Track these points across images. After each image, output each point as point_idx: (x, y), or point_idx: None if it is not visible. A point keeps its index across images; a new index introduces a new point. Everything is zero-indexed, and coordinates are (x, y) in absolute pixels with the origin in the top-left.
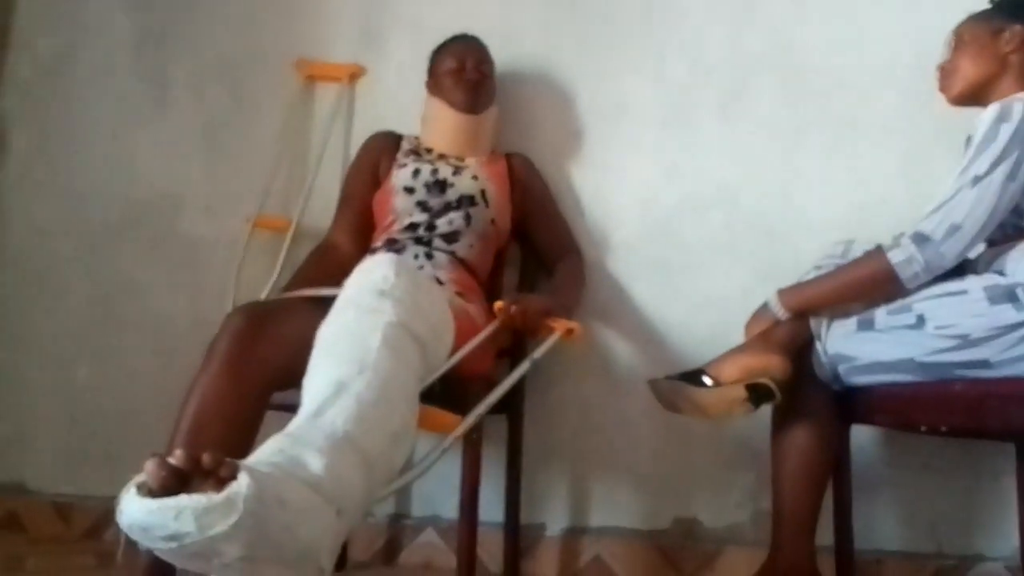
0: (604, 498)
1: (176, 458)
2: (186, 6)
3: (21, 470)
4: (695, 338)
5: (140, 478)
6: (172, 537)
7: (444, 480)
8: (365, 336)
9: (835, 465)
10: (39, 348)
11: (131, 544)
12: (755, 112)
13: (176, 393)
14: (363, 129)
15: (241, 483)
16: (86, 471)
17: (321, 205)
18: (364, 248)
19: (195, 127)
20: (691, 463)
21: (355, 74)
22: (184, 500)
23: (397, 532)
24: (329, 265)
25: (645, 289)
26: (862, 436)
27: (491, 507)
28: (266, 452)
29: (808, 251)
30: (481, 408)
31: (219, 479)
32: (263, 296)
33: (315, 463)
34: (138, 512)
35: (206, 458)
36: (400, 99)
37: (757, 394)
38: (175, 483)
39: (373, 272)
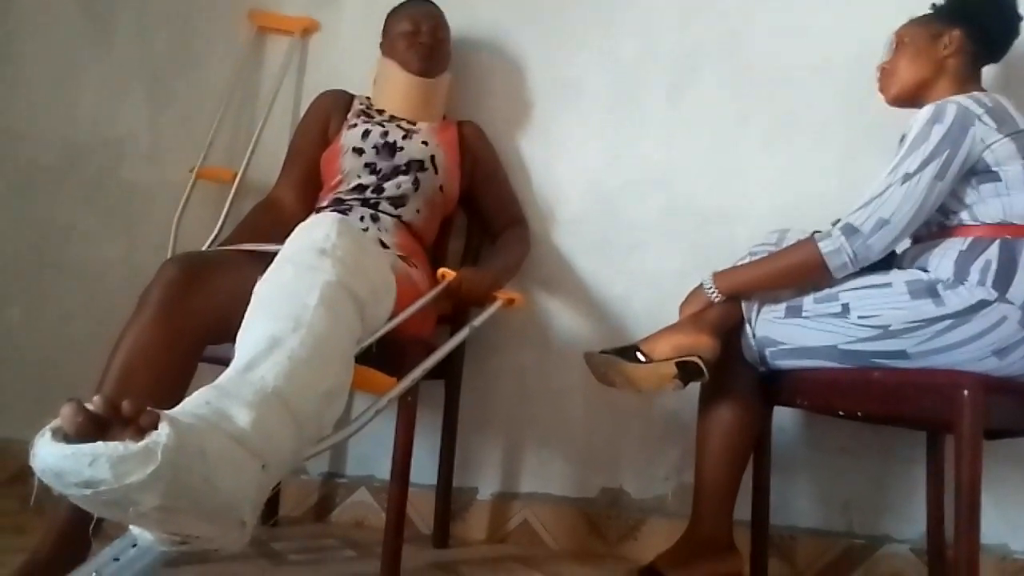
0: (535, 465)
1: (95, 404)
2: None
3: None
4: (632, 314)
5: (56, 423)
6: (86, 484)
7: (379, 441)
8: (302, 294)
9: (757, 444)
10: None
11: (45, 490)
12: (700, 99)
13: (109, 340)
14: (314, 85)
15: (161, 432)
16: (13, 414)
17: (267, 159)
18: (309, 205)
19: (141, 71)
20: (621, 436)
21: (308, 28)
22: (100, 447)
23: (330, 490)
24: (272, 220)
25: (587, 264)
26: (784, 418)
27: (425, 469)
28: (192, 403)
29: (743, 237)
30: (417, 372)
31: (139, 428)
32: (203, 248)
33: (242, 417)
34: (51, 457)
35: (126, 405)
36: (353, 57)
37: (686, 371)
38: (92, 429)
39: (315, 230)
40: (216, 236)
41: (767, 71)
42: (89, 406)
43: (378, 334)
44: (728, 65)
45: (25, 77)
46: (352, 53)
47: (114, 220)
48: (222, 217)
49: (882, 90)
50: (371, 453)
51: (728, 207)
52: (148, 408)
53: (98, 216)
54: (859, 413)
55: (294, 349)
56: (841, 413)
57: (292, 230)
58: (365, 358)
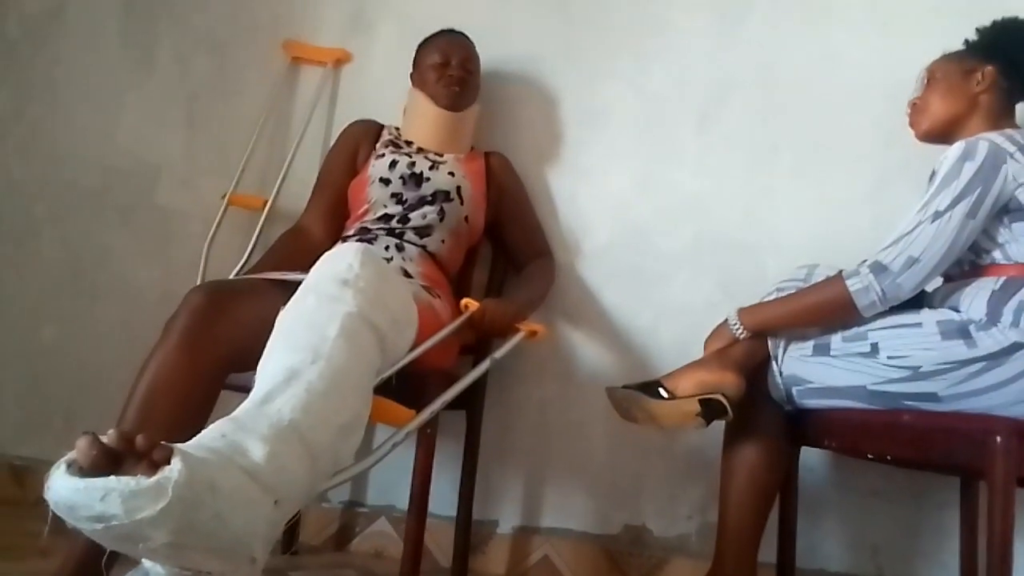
0: (557, 500)
1: (109, 437)
2: None
3: None
4: (658, 346)
5: (71, 455)
6: (98, 518)
7: (400, 470)
8: (323, 325)
9: (783, 484)
10: (6, 308)
11: (59, 522)
12: (730, 128)
13: (139, 363)
14: (345, 114)
15: (173, 468)
16: (45, 435)
17: (297, 187)
18: (336, 235)
19: (178, 98)
20: (644, 472)
21: (341, 59)
22: (112, 482)
23: (350, 519)
24: (298, 249)
25: (613, 295)
26: (812, 457)
27: (445, 501)
28: (208, 436)
29: (773, 269)
30: (436, 405)
31: (152, 462)
32: (232, 275)
33: (256, 450)
34: (65, 490)
35: (139, 440)
36: (384, 88)
37: (710, 409)
38: (106, 463)
39: (338, 260)
40: (245, 262)
41: (799, 101)
42: (104, 439)
43: (398, 365)
44: (759, 95)
45: (68, 101)
46: (383, 83)
47: (149, 243)
48: (251, 243)
49: (912, 125)
50: (392, 482)
51: (758, 238)
52: (162, 442)
53: (133, 239)
54: (888, 457)
55: (312, 381)
56: (870, 456)
57: (318, 258)
58: (385, 389)
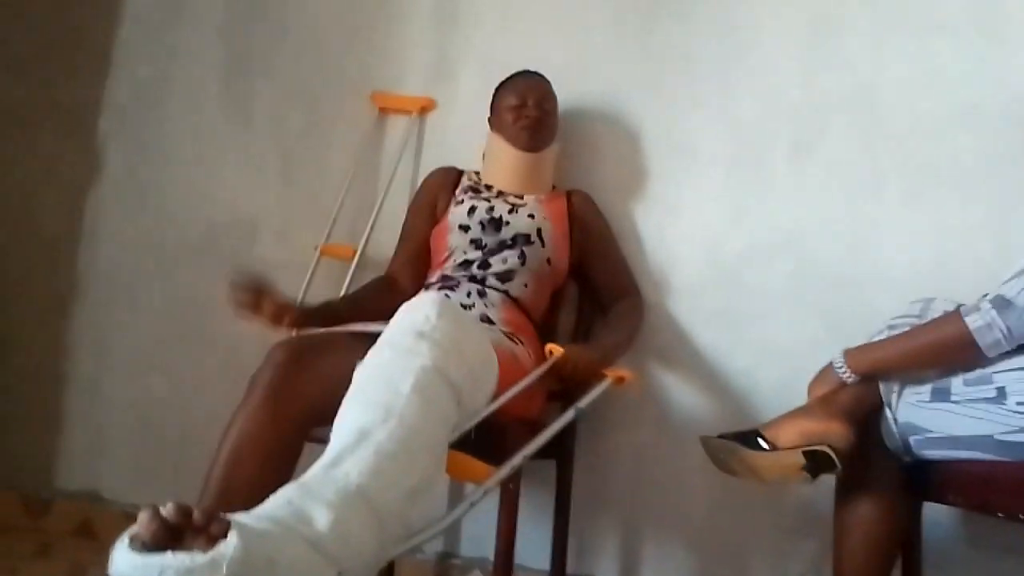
0: (655, 554)
1: (167, 511)
2: (273, 35)
3: (97, 479)
4: (758, 390)
5: (133, 529)
6: None
7: (494, 521)
8: (396, 380)
9: (903, 542)
10: (118, 360)
11: None
12: (828, 156)
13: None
14: (431, 161)
15: (229, 544)
16: (156, 482)
17: (386, 235)
18: (420, 282)
19: (274, 153)
20: (750, 525)
21: (425, 107)
22: (169, 559)
23: (445, 570)
24: (382, 291)
25: (707, 336)
26: (938, 511)
27: (538, 553)
28: (273, 504)
29: (884, 305)
30: (516, 460)
31: (210, 536)
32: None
33: (321, 518)
34: (125, 565)
35: (197, 514)
36: (467, 133)
37: (816, 462)
38: (166, 536)
39: (415, 312)
40: None
41: (903, 123)
42: (163, 512)
43: (477, 418)
44: (858, 119)
45: (174, 161)
46: (467, 128)
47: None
48: (342, 293)
49: None
50: (486, 533)
51: (864, 271)
52: (219, 515)
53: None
54: (1021, 516)
55: (381, 443)
56: (1000, 514)
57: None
58: (464, 443)
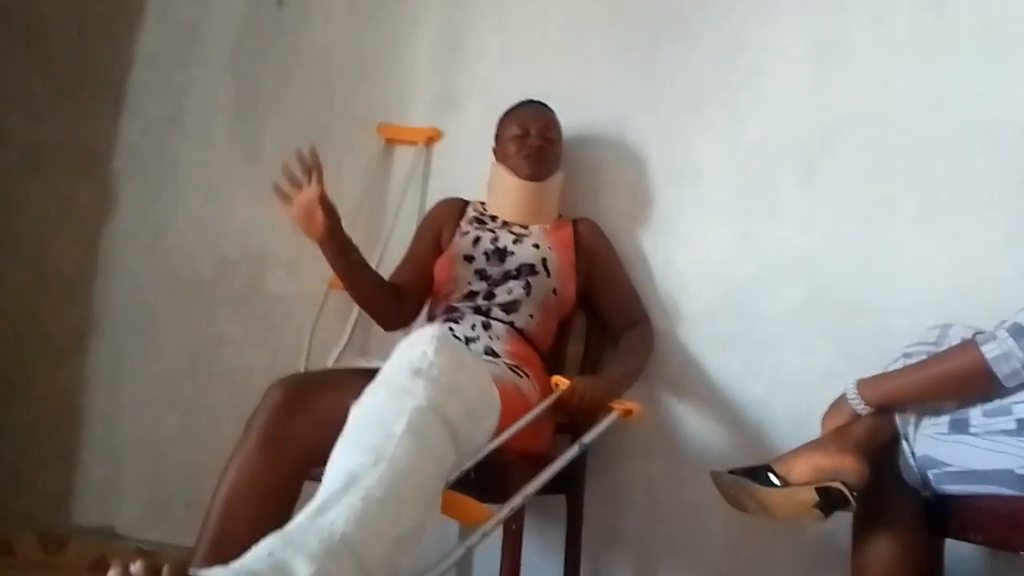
0: None
1: (136, 569)
2: (280, 73)
3: (111, 515)
4: (773, 419)
5: None
6: None
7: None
8: (389, 422)
9: None
10: (132, 397)
11: None
12: (839, 179)
13: None
14: (437, 191)
15: None
16: (169, 519)
17: (395, 265)
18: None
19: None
20: (769, 560)
21: (432, 137)
22: None
23: None
24: (391, 294)
25: (719, 364)
26: (962, 546)
27: None
28: (254, 555)
29: (900, 330)
30: (516, 501)
31: None
32: (330, 362)
33: (302, 570)
34: None
35: (166, 570)
36: (473, 162)
37: (829, 499)
38: None
39: (413, 348)
40: (343, 349)
41: (915, 145)
42: (133, 568)
43: (478, 456)
44: (869, 140)
45: (186, 199)
46: (473, 158)
47: (258, 330)
48: (349, 328)
49: None
50: (499, 568)
51: (879, 296)
52: (191, 571)
53: (244, 326)
54: None
55: (370, 488)
56: (1023, 552)
57: (402, 308)
58: (464, 482)
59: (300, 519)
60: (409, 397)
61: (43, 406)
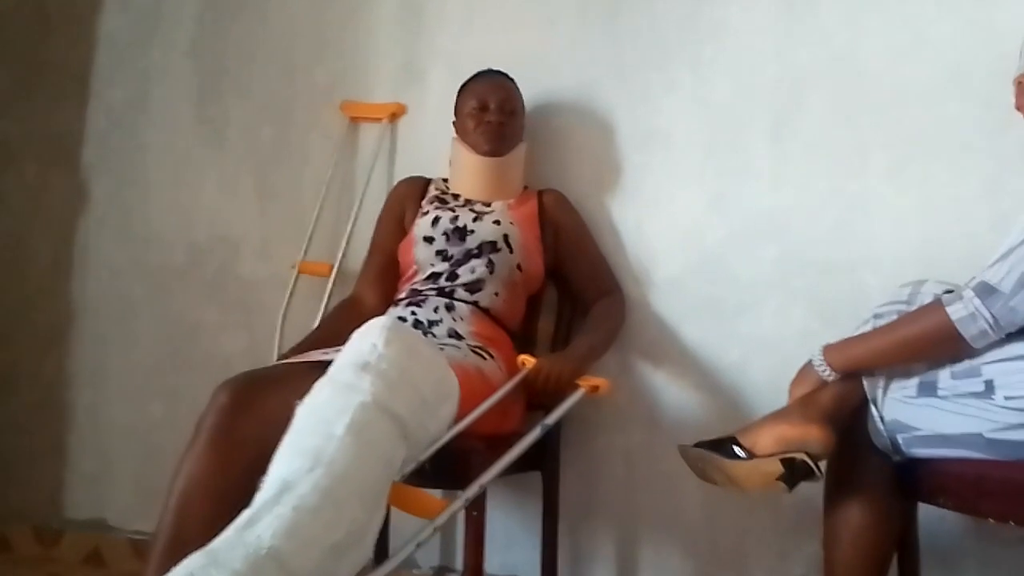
0: (652, 559)
1: None
2: (242, 53)
3: (103, 507)
4: (751, 383)
5: None
6: None
7: (491, 534)
8: (331, 421)
9: (897, 545)
10: (117, 387)
11: None
12: (809, 132)
13: None
14: (404, 168)
15: None
16: (159, 508)
17: (363, 247)
18: (389, 298)
19: (248, 170)
20: (748, 527)
21: (396, 113)
22: None
23: None
24: (351, 320)
25: (693, 329)
26: None
27: (533, 562)
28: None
29: (876, 288)
30: (470, 491)
31: None
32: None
33: None
34: None
35: None
36: (439, 136)
37: (793, 470)
38: None
39: (363, 340)
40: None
41: (887, 93)
42: None
43: (435, 447)
44: (838, 91)
45: (155, 184)
46: (439, 132)
47: (233, 316)
48: (321, 311)
49: (1020, 108)
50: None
51: (853, 254)
52: None
53: (219, 312)
54: (1011, 521)
55: (304, 496)
56: (991, 519)
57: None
58: (420, 473)
59: (228, 533)
60: (354, 394)
61: (31, 401)
